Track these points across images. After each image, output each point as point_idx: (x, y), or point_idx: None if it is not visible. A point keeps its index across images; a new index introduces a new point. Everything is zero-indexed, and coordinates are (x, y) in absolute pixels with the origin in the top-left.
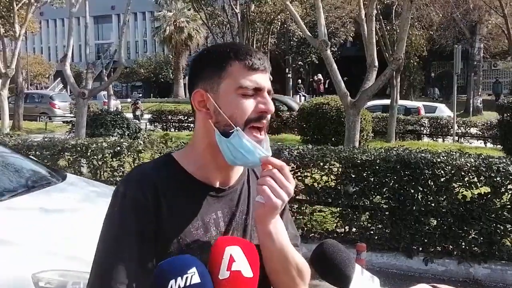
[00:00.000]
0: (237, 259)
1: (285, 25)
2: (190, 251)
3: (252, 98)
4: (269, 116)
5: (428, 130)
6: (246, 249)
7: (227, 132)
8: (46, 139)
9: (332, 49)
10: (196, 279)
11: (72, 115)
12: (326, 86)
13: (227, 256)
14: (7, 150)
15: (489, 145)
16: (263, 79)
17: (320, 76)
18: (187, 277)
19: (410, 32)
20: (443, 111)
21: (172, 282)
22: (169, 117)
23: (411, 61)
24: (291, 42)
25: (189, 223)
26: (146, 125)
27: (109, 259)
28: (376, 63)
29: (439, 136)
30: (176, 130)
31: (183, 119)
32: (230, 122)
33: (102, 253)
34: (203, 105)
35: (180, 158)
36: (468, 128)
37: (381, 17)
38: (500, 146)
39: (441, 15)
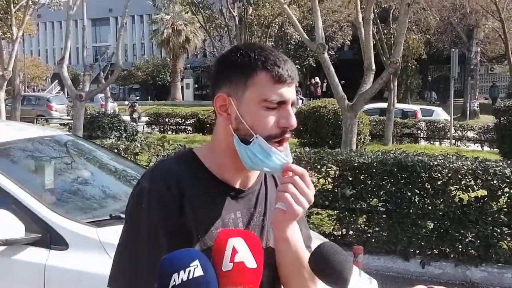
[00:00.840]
0: (240, 251)
1: (283, 29)
2: (207, 249)
3: (275, 111)
4: (287, 144)
5: (425, 134)
6: (249, 240)
7: (247, 140)
8: None
9: (330, 52)
10: (199, 272)
11: (69, 117)
12: (324, 89)
13: (229, 247)
14: (92, 147)
15: (486, 148)
16: (289, 92)
17: (317, 79)
18: (190, 270)
19: (408, 36)
20: (440, 114)
21: (175, 275)
22: (166, 120)
23: (409, 64)
24: (289, 46)
25: (210, 223)
26: (143, 128)
27: (139, 259)
28: (374, 67)
29: (436, 140)
30: (173, 133)
31: (180, 121)
32: (251, 131)
33: (132, 252)
34: (225, 109)
35: (202, 156)
36: (465, 131)
37: (378, 20)
38: (496, 149)
39: (438, 19)
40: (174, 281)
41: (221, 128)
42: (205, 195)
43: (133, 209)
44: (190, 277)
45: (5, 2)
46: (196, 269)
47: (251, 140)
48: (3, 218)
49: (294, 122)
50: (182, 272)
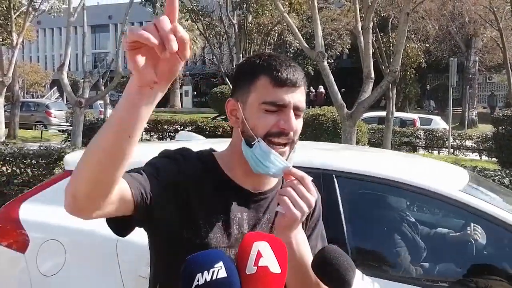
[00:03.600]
0: (264, 255)
1: (282, 37)
2: (206, 240)
3: (275, 114)
4: (292, 133)
5: (424, 142)
6: (274, 245)
7: (251, 143)
8: (42, 148)
9: (329, 60)
10: (222, 273)
11: (68, 124)
12: (324, 96)
13: (254, 251)
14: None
15: (484, 157)
16: (290, 95)
17: (321, 88)
18: (213, 271)
19: (407, 45)
20: (439, 123)
21: (198, 275)
22: (165, 127)
23: (407, 73)
24: (288, 54)
25: (213, 215)
26: (142, 135)
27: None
28: (373, 75)
29: (435, 148)
30: (172, 140)
31: (179, 129)
32: (252, 134)
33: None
34: (234, 113)
35: (218, 157)
36: (464, 140)
37: (377, 29)
38: (495, 158)
39: (437, 28)
40: (198, 281)
41: (234, 132)
42: (214, 191)
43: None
44: (214, 278)
45: (5, 9)
46: (220, 271)
47: (253, 143)
48: None
49: (293, 126)
50: (206, 272)
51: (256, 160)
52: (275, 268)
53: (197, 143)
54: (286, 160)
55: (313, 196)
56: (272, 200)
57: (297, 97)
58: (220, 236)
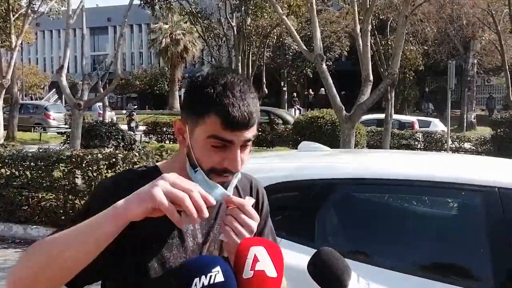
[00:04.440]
0: (261, 259)
1: (281, 39)
2: (164, 259)
3: (221, 151)
4: (238, 172)
5: (422, 145)
6: (270, 249)
7: (193, 168)
8: (41, 150)
9: (327, 63)
10: (220, 278)
11: (67, 126)
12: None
13: (251, 255)
14: None
15: None
16: (240, 136)
17: (323, 90)
18: (211, 276)
19: (405, 47)
20: (437, 125)
21: (196, 280)
22: (164, 129)
23: (406, 75)
24: (287, 56)
25: (164, 232)
26: (141, 137)
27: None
28: (371, 78)
29: (433, 151)
30: (171, 142)
31: None
32: (196, 163)
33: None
34: (182, 133)
35: (164, 169)
36: (462, 143)
37: (376, 32)
38: None
39: (435, 30)
40: (196, 285)
41: (181, 149)
42: None
43: (88, 197)
44: (211, 282)
45: (4, 11)
46: (217, 275)
47: (195, 170)
48: None
49: (237, 166)
50: (203, 277)
51: (199, 184)
52: (271, 272)
53: (322, 154)
54: (226, 190)
55: (255, 221)
56: (221, 205)
57: (249, 133)
58: (176, 252)
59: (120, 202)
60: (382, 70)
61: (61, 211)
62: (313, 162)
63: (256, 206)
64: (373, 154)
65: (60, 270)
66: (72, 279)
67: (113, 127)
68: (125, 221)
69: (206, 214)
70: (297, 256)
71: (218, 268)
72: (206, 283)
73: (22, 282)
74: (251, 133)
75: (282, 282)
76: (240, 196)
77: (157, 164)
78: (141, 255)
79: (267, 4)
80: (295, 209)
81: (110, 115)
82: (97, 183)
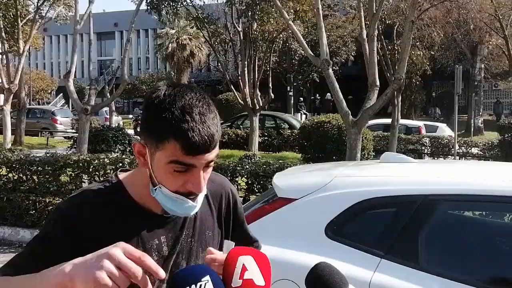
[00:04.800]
0: (249, 268)
1: (287, 44)
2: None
3: (184, 174)
4: (202, 194)
5: (429, 150)
6: (258, 258)
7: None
8: (48, 155)
9: (334, 68)
10: (209, 287)
11: (74, 130)
12: (331, 104)
13: (239, 265)
14: None
15: None
16: (203, 158)
17: (329, 95)
18: (201, 285)
19: (412, 52)
20: (444, 130)
21: None
22: None
23: (413, 80)
24: (293, 61)
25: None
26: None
27: (23, 255)
28: (378, 83)
29: (440, 156)
30: None
31: None
32: (158, 185)
33: (25, 249)
34: (142, 154)
35: (126, 184)
36: (469, 148)
37: (382, 37)
38: None
39: (442, 35)
40: None
41: (141, 166)
42: (125, 223)
43: (46, 221)
44: None
45: (12, 16)
46: (207, 284)
47: (155, 189)
48: None
49: (201, 187)
50: (193, 286)
51: (163, 206)
52: (259, 281)
53: (406, 166)
54: (196, 198)
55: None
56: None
57: (210, 155)
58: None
59: (67, 268)
60: (388, 75)
61: None
62: (408, 175)
63: (234, 207)
64: (463, 165)
65: None
66: None
67: (120, 132)
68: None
69: (162, 275)
70: (400, 276)
71: (207, 278)
72: None
73: None
74: (213, 154)
75: None
76: (209, 202)
77: (120, 177)
78: None
79: (273, 10)
80: (394, 226)
81: (116, 119)
82: (54, 207)
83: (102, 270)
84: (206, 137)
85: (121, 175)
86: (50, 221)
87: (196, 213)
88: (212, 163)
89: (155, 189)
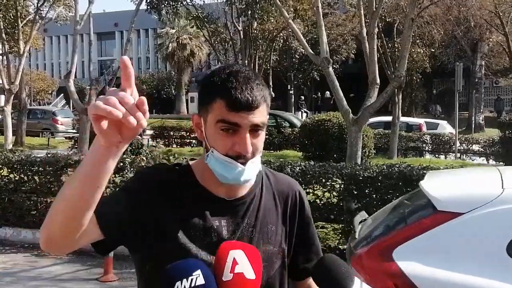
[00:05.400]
0: (240, 262)
1: (287, 42)
2: (186, 249)
3: (231, 135)
4: (250, 153)
5: (430, 147)
6: (249, 253)
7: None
8: (49, 155)
9: (334, 66)
10: (200, 281)
11: (74, 131)
12: (331, 103)
13: (230, 259)
14: None
15: (491, 162)
16: (245, 118)
17: (328, 93)
18: (192, 279)
19: (412, 50)
20: (445, 128)
21: (178, 283)
22: (171, 133)
23: (413, 78)
24: (293, 59)
25: (189, 226)
26: (148, 141)
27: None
28: (378, 81)
29: (441, 153)
30: (179, 146)
31: (185, 135)
32: (211, 149)
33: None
34: (200, 127)
35: (194, 167)
36: (470, 145)
37: (382, 34)
38: (502, 163)
39: (442, 32)
40: None
41: (200, 137)
42: (189, 202)
43: (128, 179)
44: (193, 285)
45: (12, 17)
46: (198, 278)
47: (207, 154)
48: None
49: (247, 149)
50: (185, 280)
51: (215, 171)
52: (250, 274)
53: None
54: (247, 163)
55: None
56: (250, 204)
57: (255, 117)
58: (199, 245)
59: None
60: (389, 72)
61: None
62: None
63: (301, 209)
64: None
65: (73, 208)
66: (98, 242)
67: None
68: (98, 151)
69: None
70: None
71: (198, 272)
72: (187, 286)
73: (55, 232)
74: (257, 117)
75: None
76: (274, 198)
77: (190, 162)
78: (164, 241)
79: (273, 8)
80: None
81: None
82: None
83: (91, 105)
84: (248, 95)
85: (191, 162)
86: (131, 178)
87: (259, 205)
88: (261, 131)
89: (207, 155)
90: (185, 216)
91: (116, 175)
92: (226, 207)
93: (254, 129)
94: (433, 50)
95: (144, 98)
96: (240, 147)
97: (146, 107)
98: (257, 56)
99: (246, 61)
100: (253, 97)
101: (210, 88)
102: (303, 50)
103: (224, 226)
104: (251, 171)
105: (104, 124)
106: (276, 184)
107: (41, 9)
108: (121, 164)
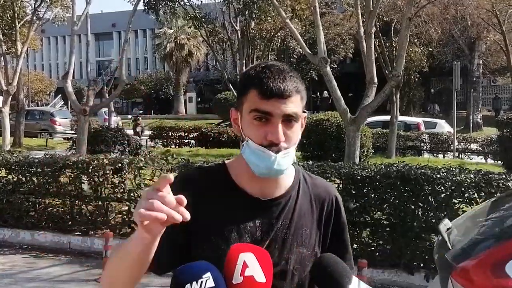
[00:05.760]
0: (250, 265)
1: (285, 42)
2: (220, 252)
3: (264, 124)
4: (284, 143)
5: (429, 146)
6: (259, 255)
7: None
8: (47, 156)
9: (332, 66)
10: (210, 283)
11: (73, 131)
12: (329, 102)
13: (240, 262)
14: None
15: (489, 160)
16: (277, 106)
17: (326, 93)
18: (202, 281)
19: (410, 49)
20: (443, 127)
21: (187, 286)
22: (170, 134)
23: (411, 77)
24: (291, 59)
25: (223, 226)
26: (146, 142)
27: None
28: (376, 80)
29: (440, 152)
30: (177, 147)
31: (183, 135)
32: (246, 139)
33: None
34: (237, 122)
35: (229, 166)
36: (468, 143)
37: (380, 34)
38: (500, 161)
39: (439, 32)
40: None
41: (237, 132)
42: (224, 202)
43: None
44: (202, 287)
45: (9, 18)
46: (208, 281)
47: (242, 145)
48: None
49: (280, 137)
50: (194, 283)
51: (249, 161)
52: (260, 277)
53: None
54: (280, 152)
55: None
56: (286, 205)
57: (287, 106)
58: None
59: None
60: (386, 72)
61: (68, 217)
62: None
63: (337, 214)
64: None
65: (123, 272)
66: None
67: (119, 132)
68: (144, 242)
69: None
70: None
71: (208, 274)
72: None
73: (105, 281)
74: (289, 107)
75: None
76: (311, 201)
77: (226, 161)
78: (196, 241)
79: (270, 8)
80: None
81: (115, 120)
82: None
83: (136, 211)
84: (280, 84)
85: (227, 161)
86: (172, 184)
87: (295, 207)
88: (295, 122)
89: (243, 145)
90: (219, 216)
91: (115, 176)
92: (260, 208)
93: (287, 119)
94: (431, 49)
95: (183, 197)
96: (272, 136)
97: (185, 200)
98: (255, 56)
99: (244, 61)
100: (285, 86)
101: (245, 81)
102: (301, 50)
103: (258, 226)
104: (284, 160)
105: (149, 223)
106: (314, 187)
107: (39, 9)
108: (120, 164)
